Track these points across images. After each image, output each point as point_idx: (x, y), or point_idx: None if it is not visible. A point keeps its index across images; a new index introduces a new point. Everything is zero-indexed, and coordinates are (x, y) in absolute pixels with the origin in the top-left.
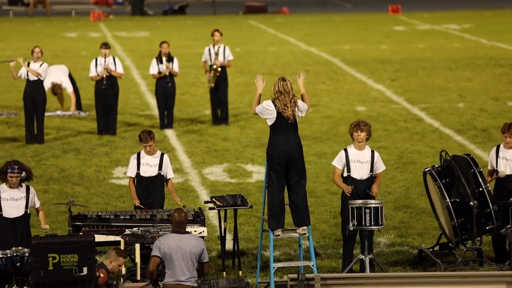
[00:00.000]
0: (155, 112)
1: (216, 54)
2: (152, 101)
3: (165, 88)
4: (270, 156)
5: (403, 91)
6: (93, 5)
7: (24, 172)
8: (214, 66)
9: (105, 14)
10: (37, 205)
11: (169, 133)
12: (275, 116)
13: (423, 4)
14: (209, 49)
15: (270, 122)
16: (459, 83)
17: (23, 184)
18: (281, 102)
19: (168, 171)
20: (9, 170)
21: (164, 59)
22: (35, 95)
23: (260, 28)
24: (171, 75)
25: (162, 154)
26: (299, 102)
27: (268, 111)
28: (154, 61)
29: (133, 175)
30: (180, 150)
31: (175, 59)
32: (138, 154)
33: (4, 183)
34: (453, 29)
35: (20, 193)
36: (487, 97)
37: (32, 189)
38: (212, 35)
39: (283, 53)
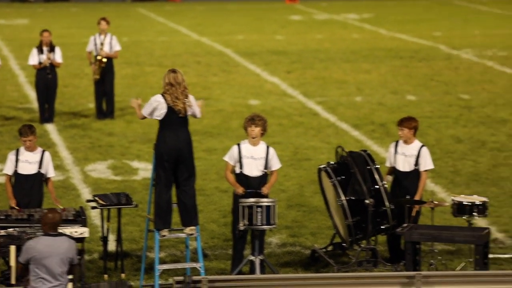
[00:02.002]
0: (35, 105)
1: (102, 44)
2: (32, 94)
3: (45, 79)
4: (158, 152)
5: (299, 84)
6: None
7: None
8: (99, 57)
9: None
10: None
11: (50, 127)
12: (166, 110)
13: None
14: (95, 39)
15: (159, 117)
16: (357, 76)
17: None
18: (172, 95)
19: (49, 170)
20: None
21: (45, 48)
22: None
23: (149, 16)
24: (53, 65)
25: (43, 151)
26: (191, 96)
27: (158, 105)
28: (34, 51)
29: (11, 172)
30: (61, 145)
31: (57, 49)
32: (17, 151)
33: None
34: (352, 19)
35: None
36: (385, 90)
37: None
38: (98, 23)
39: (173, 43)
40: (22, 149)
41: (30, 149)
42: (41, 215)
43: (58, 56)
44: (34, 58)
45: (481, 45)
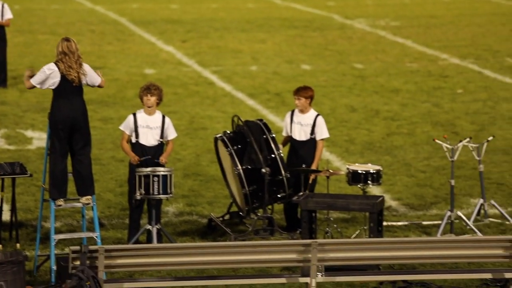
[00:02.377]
0: None
1: None
2: None
3: None
4: (53, 121)
5: (194, 53)
6: None
7: None
8: None
9: None
10: None
11: None
12: (59, 79)
13: None
14: None
15: (53, 86)
16: (252, 45)
17: None
18: (65, 64)
19: None
20: None
21: None
22: None
23: None
24: None
25: None
26: (85, 65)
27: (51, 74)
28: None
29: None
30: None
31: None
32: None
33: None
34: None
35: None
36: (281, 59)
37: None
38: None
39: (66, 11)
40: None
41: None
42: None
43: None
44: None
45: (374, 15)
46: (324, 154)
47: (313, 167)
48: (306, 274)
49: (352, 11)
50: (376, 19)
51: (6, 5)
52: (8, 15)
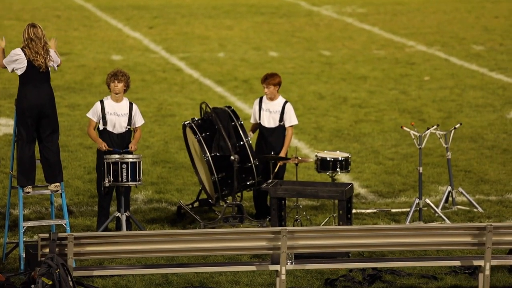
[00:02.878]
0: None
1: None
2: None
3: None
4: (20, 108)
5: (161, 40)
6: None
7: None
8: None
9: None
10: None
11: None
12: (25, 65)
13: None
14: None
15: (19, 72)
16: (219, 32)
17: None
18: (32, 50)
19: None
20: None
21: None
22: None
23: None
24: None
25: None
26: (52, 51)
27: (17, 59)
28: None
29: None
30: None
31: None
32: None
33: None
34: None
35: None
36: (248, 46)
37: None
38: None
39: None
40: None
41: None
42: None
43: None
44: None
45: (341, 2)
46: (292, 142)
47: (282, 154)
48: (276, 261)
49: None
50: (343, 6)
51: None
52: None
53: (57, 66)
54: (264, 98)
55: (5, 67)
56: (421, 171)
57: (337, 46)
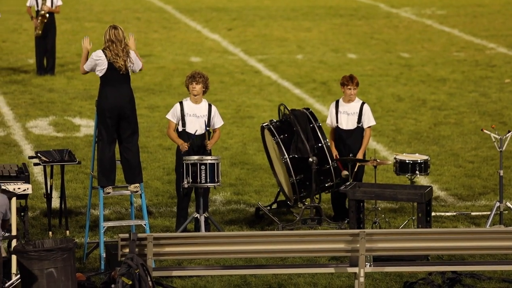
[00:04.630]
0: None
1: None
2: None
3: None
4: (100, 109)
5: (240, 42)
6: None
7: None
8: (42, 12)
9: None
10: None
11: None
12: (106, 66)
13: None
14: None
15: (100, 74)
16: (297, 34)
17: None
18: (113, 52)
19: None
20: None
21: None
22: None
23: None
24: None
25: None
26: (132, 53)
27: (98, 62)
28: None
29: None
30: (1, 101)
31: None
32: None
33: None
34: None
35: None
36: (326, 48)
37: None
38: None
39: None
40: None
41: None
42: None
43: None
44: None
45: (420, 4)
46: (371, 144)
47: (360, 155)
48: (354, 264)
49: None
50: (423, 7)
51: None
52: (59, 2)
53: (139, 70)
54: (341, 100)
55: (86, 72)
56: (501, 174)
57: (417, 48)
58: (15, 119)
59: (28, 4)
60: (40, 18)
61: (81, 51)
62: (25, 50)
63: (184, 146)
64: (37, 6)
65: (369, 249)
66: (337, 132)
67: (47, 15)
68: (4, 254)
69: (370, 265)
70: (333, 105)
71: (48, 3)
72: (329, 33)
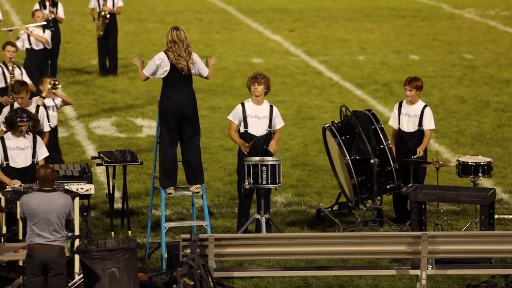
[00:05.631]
0: None
1: (105, 0)
2: None
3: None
4: (162, 110)
5: (302, 43)
6: None
7: (31, 121)
8: (103, 13)
9: None
10: (46, 128)
11: None
12: (169, 68)
13: None
14: None
15: (163, 75)
16: (359, 35)
17: (30, 133)
18: (175, 53)
19: (45, 124)
20: (18, 119)
21: (47, 3)
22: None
23: None
24: (56, 21)
25: (38, 107)
26: (194, 54)
27: (161, 63)
28: (36, 6)
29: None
30: None
31: (60, 4)
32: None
33: (9, 132)
34: None
35: (27, 142)
36: (388, 49)
37: (39, 139)
38: None
39: (175, 0)
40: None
41: (23, 105)
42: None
43: (61, 12)
44: None
45: (484, 5)
46: (433, 146)
47: (420, 149)
48: (416, 266)
49: (461, 0)
50: (486, 8)
51: None
52: (120, 3)
53: (205, 77)
54: (404, 102)
55: (147, 78)
56: None
57: (480, 50)
58: (78, 120)
59: (90, 6)
60: (101, 19)
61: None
62: (88, 51)
63: (245, 146)
64: (99, 7)
65: (431, 251)
66: (399, 134)
67: (108, 15)
68: (67, 254)
69: (432, 268)
70: (396, 106)
71: (109, 4)
72: (391, 34)
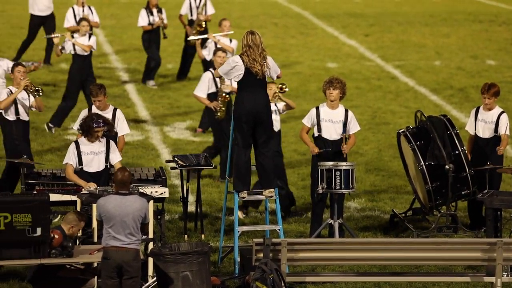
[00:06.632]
0: (114, 64)
1: (198, 7)
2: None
3: (158, 40)
4: (236, 114)
5: (377, 47)
6: None
7: (107, 126)
8: (200, 21)
9: None
10: (124, 131)
11: (129, 87)
12: (243, 71)
13: None
14: (190, 2)
15: (237, 78)
16: (436, 40)
17: (104, 138)
18: (250, 57)
19: (123, 127)
20: (94, 125)
21: (154, 10)
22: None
23: None
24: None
25: (115, 109)
26: (269, 58)
27: (235, 66)
28: (143, 12)
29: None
30: (140, 105)
31: (163, 10)
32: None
33: (84, 137)
34: None
35: (101, 146)
36: (465, 54)
37: (112, 144)
38: None
39: (250, 4)
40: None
41: (101, 108)
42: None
43: (165, 17)
44: (144, 20)
45: None
46: (509, 152)
47: (500, 148)
48: (491, 273)
49: None
50: None
51: (209, 0)
52: (211, 10)
53: (277, 77)
54: (481, 108)
55: (220, 76)
56: None
57: None
58: (153, 123)
59: (182, 12)
60: (196, 27)
61: None
62: (164, 55)
63: (315, 150)
64: (191, 14)
65: (506, 258)
66: (475, 140)
67: (204, 24)
68: (141, 257)
69: (507, 275)
70: (473, 112)
71: (209, 11)
72: (468, 39)
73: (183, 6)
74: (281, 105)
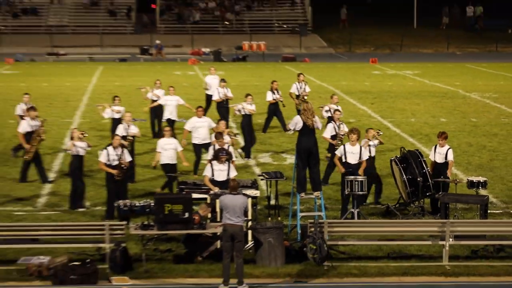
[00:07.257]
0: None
1: (300, 88)
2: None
3: (276, 110)
4: (298, 148)
5: (378, 110)
6: (190, 54)
7: (227, 155)
8: (302, 98)
9: (197, 60)
10: (231, 175)
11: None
12: (301, 124)
13: (390, 58)
14: (296, 85)
15: (298, 128)
16: (411, 106)
17: (226, 162)
18: (305, 116)
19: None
20: (220, 154)
21: (276, 91)
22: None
23: (291, 70)
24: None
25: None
26: (316, 117)
27: (298, 121)
28: (269, 92)
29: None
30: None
31: (279, 91)
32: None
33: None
34: (408, 74)
35: (225, 166)
36: (428, 115)
37: (231, 165)
38: (298, 76)
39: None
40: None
41: (222, 145)
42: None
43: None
44: (269, 96)
45: None
46: (454, 170)
47: (448, 171)
48: (443, 239)
49: None
50: None
51: (305, 84)
52: (307, 89)
53: (317, 128)
54: (437, 146)
55: (290, 130)
56: None
57: None
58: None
59: (291, 90)
60: (300, 101)
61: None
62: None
63: (341, 169)
64: (298, 91)
65: (452, 231)
66: (434, 164)
67: (304, 98)
68: (244, 230)
69: (452, 240)
70: (433, 148)
71: (307, 90)
72: (430, 106)
73: (292, 87)
74: (376, 141)
